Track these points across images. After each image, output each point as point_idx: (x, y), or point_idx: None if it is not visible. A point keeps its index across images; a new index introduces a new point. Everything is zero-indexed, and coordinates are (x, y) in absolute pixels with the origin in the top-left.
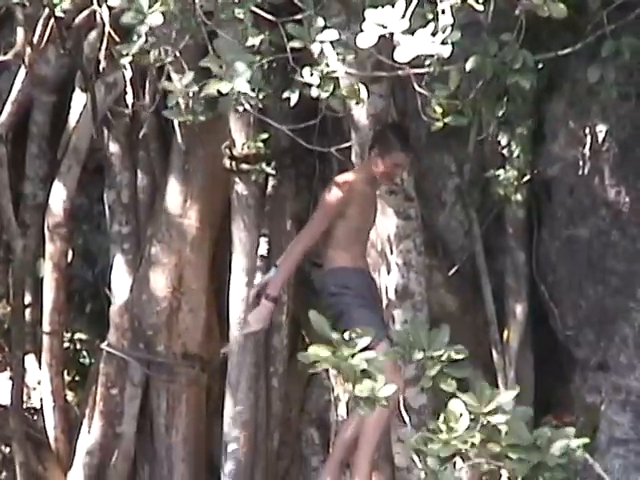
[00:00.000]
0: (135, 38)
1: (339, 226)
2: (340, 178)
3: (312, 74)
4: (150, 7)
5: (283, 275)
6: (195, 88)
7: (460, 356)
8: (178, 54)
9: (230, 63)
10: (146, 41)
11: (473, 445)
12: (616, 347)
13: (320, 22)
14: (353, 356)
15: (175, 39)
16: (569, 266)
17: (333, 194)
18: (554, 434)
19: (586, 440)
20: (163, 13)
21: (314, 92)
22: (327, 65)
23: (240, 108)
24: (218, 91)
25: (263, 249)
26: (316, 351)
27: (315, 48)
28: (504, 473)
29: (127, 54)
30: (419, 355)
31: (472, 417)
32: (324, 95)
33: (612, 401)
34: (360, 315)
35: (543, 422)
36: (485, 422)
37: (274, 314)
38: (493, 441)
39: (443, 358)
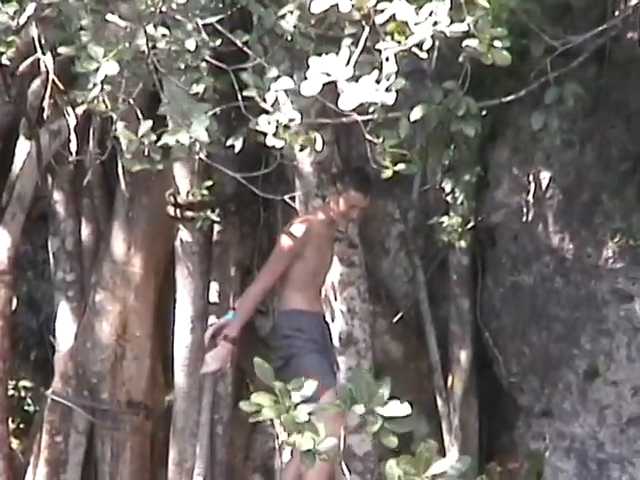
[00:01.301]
0: (89, 86)
1: (296, 267)
2: (298, 219)
3: (269, 122)
4: (104, 56)
5: (243, 316)
6: (152, 137)
7: (403, 412)
8: (131, 102)
9: (187, 112)
10: (101, 89)
11: None
12: (560, 394)
13: (274, 71)
14: (295, 407)
15: (126, 87)
16: (513, 313)
17: (291, 235)
18: None
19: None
20: (117, 61)
21: (270, 141)
22: (282, 114)
23: (195, 156)
24: (177, 140)
25: (214, 294)
26: (258, 400)
27: (269, 97)
28: None
29: (82, 102)
30: (360, 409)
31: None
32: (279, 144)
33: (556, 448)
34: (311, 361)
35: (487, 468)
36: None
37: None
38: None
39: (384, 414)
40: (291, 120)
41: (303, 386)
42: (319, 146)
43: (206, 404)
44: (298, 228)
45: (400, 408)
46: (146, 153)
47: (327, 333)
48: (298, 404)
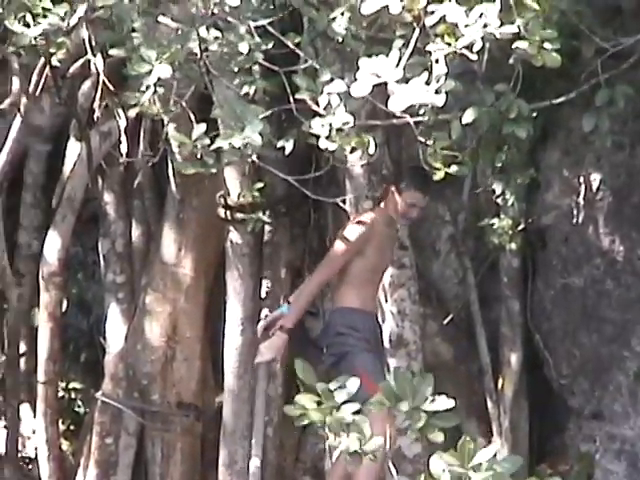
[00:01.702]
0: (143, 88)
1: (356, 264)
2: (361, 216)
3: (323, 125)
4: (157, 58)
5: (299, 308)
6: (206, 141)
7: (445, 406)
8: (184, 104)
9: (240, 115)
10: (154, 92)
11: None
12: (610, 396)
13: (327, 74)
14: (339, 407)
15: (178, 89)
16: (564, 315)
17: (354, 231)
18: None
19: None
20: (170, 63)
21: (322, 143)
22: (334, 116)
23: (248, 159)
24: (230, 143)
25: (264, 296)
26: (302, 402)
27: (322, 100)
28: None
29: (135, 105)
30: (405, 406)
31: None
32: (332, 147)
33: (607, 450)
34: (363, 359)
35: (537, 470)
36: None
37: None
38: None
39: (428, 409)
40: (345, 123)
41: (346, 385)
42: (372, 149)
43: (259, 406)
44: (361, 225)
45: (444, 402)
46: (199, 156)
47: (379, 333)
48: (342, 404)
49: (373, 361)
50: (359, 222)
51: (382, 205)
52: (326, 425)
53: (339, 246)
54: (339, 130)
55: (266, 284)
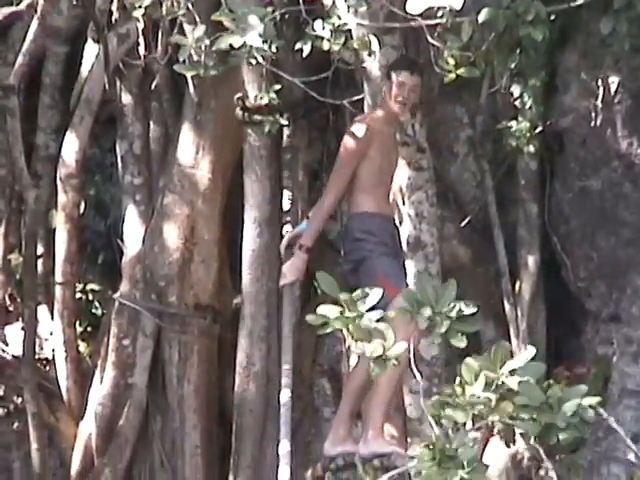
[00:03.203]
0: None
1: (363, 168)
2: (358, 120)
3: (324, 27)
4: None
5: (316, 225)
6: (207, 42)
7: (469, 311)
8: (190, 6)
9: (242, 16)
10: None
11: (488, 407)
12: (628, 299)
13: None
14: (362, 316)
15: None
16: (581, 218)
17: (354, 136)
18: (565, 393)
19: (597, 398)
20: None
21: (326, 45)
22: (338, 18)
23: (252, 61)
24: (230, 44)
25: (286, 202)
26: (325, 311)
27: (327, 0)
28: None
29: (140, 6)
30: (428, 312)
31: (486, 379)
32: (335, 48)
33: (624, 353)
34: (381, 263)
35: (554, 373)
36: (500, 383)
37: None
38: (507, 400)
39: (452, 314)
40: (345, 24)
41: (369, 295)
42: (375, 49)
43: (273, 308)
44: (359, 128)
45: (467, 308)
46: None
47: (397, 236)
48: (364, 313)
49: (392, 264)
50: (358, 125)
51: (382, 102)
52: (349, 333)
53: (344, 153)
54: (341, 31)
55: (285, 190)
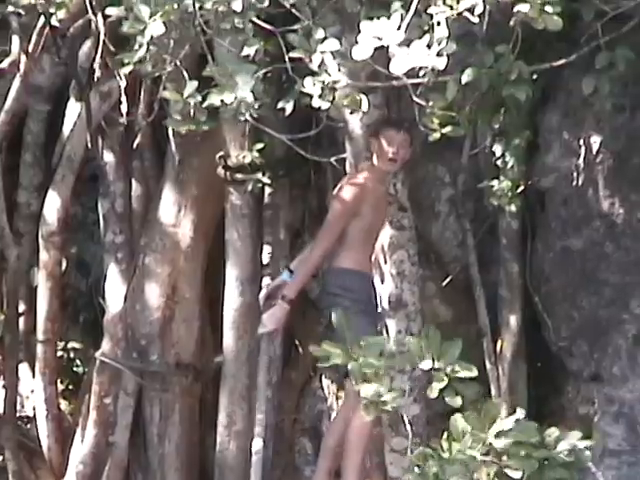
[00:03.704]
0: (136, 47)
1: (353, 226)
2: (351, 178)
3: (314, 84)
4: (151, 16)
5: (301, 278)
6: (198, 98)
7: (469, 374)
8: (178, 63)
9: (232, 73)
10: (147, 50)
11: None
12: (609, 358)
13: (320, 33)
14: (365, 357)
15: (174, 48)
16: (563, 277)
17: (347, 193)
18: (562, 434)
19: (592, 442)
20: (163, 22)
21: (315, 102)
22: (328, 75)
23: (241, 118)
24: (221, 100)
25: (266, 257)
26: (328, 347)
27: (316, 58)
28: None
29: (128, 63)
30: (428, 364)
31: (473, 439)
32: (325, 105)
33: (605, 412)
34: (357, 321)
35: None
36: (488, 443)
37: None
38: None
39: (452, 373)
40: (335, 82)
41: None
42: (365, 107)
43: (262, 366)
44: (353, 186)
45: (468, 369)
46: (192, 114)
47: (374, 295)
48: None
49: (366, 324)
50: (351, 183)
51: (371, 162)
52: (350, 370)
53: (335, 210)
54: (331, 89)
55: (266, 247)
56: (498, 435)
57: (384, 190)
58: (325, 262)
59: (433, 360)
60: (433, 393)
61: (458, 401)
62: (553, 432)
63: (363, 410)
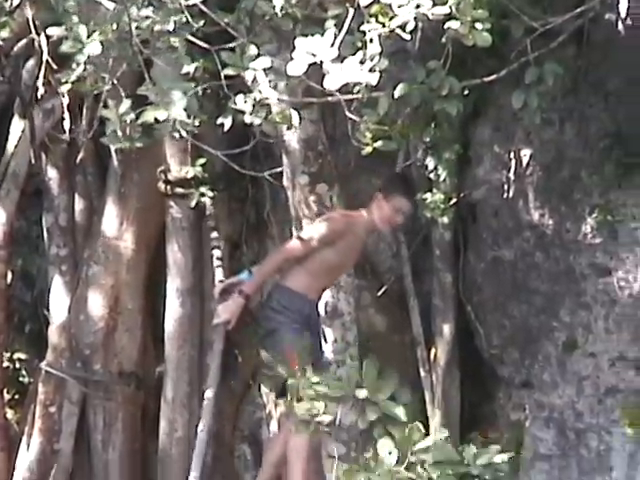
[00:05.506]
0: (74, 66)
1: (322, 253)
2: (349, 214)
3: (245, 101)
4: (89, 36)
5: (261, 277)
6: (132, 115)
7: (401, 416)
8: (115, 82)
9: (166, 91)
10: (85, 69)
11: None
12: (540, 365)
13: (253, 50)
14: (304, 373)
15: (112, 67)
16: (494, 287)
17: (337, 222)
18: (479, 451)
19: (510, 454)
20: (101, 42)
21: (247, 118)
22: (260, 92)
23: (176, 134)
24: (155, 118)
25: (217, 261)
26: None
27: (248, 75)
28: None
29: (66, 82)
30: (363, 394)
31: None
32: (257, 121)
33: (536, 418)
34: (290, 337)
35: (468, 438)
36: (413, 460)
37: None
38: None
39: (385, 410)
40: (266, 98)
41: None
42: (296, 123)
43: (195, 375)
44: (346, 219)
45: (400, 411)
46: (127, 132)
47: (315, 320)
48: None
49: (299, 338)
50: (347, 216)
51: (367, 211)
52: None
53: (318, 230)
54: (263, 105)
55: (205, 259)
56: (419, 453)
57: (364, 241)
58: (277, 274)
59: (369, 392)
60: (363, 424)
61: (383, 434)
62: (471, 449)
63: (295, 428)
